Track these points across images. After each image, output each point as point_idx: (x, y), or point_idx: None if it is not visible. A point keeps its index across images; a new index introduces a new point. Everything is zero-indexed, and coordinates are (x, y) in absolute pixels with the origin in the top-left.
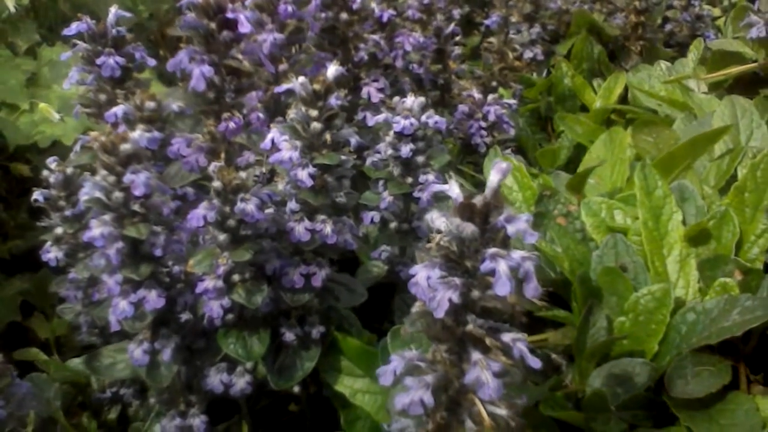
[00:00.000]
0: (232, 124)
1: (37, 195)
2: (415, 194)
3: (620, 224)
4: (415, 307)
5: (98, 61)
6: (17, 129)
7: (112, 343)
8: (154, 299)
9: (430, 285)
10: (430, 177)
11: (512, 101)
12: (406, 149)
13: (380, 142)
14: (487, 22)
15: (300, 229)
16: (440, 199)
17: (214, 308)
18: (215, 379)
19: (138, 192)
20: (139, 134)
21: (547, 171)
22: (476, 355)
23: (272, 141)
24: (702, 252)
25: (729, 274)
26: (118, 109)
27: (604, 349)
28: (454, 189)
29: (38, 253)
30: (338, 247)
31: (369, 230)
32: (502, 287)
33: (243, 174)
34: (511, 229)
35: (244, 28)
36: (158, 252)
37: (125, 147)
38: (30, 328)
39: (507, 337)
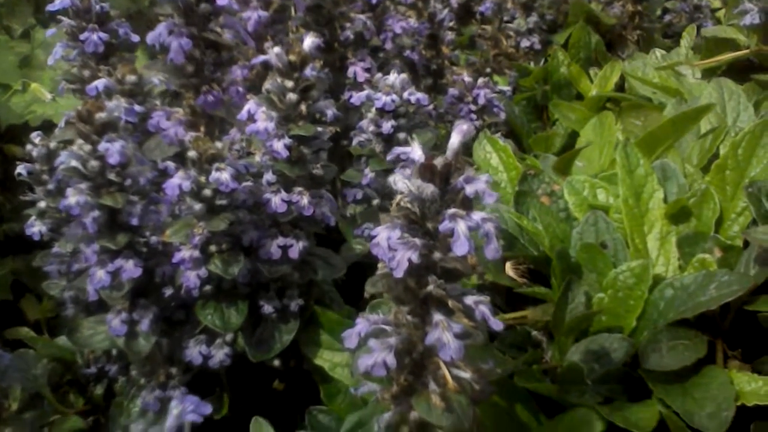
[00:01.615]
0: (210, 98)
1: (20, 169)
2: (397, 171)
3: (602, 203)
4: (379, 270)
5: (82, 36)
6: (9, 109)
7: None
8: (131, 269)
9: (391, 246)
10: None
11: (507, 88)
12: (387, 125)
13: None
14: (481, 8)
15: (276, 201)
16: None
17: (191, 278)
18: (194, 350)
19: (113, 160)
20: (115, 104)
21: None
22: (438, 317)
23: (248, 112)
24: (682, 230)
25: (708, 251)
26: (99, 83)
27: (582, 324)
28: (416, 151)
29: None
30: (315, 219)
31: (355, 209)
32: (461, 247)
33: (219, 144)
34: (469, 189)
35: (222, 1)
36: (135, 221)
37: (100, 116)
38: (22, 309)
39: (469, 299)
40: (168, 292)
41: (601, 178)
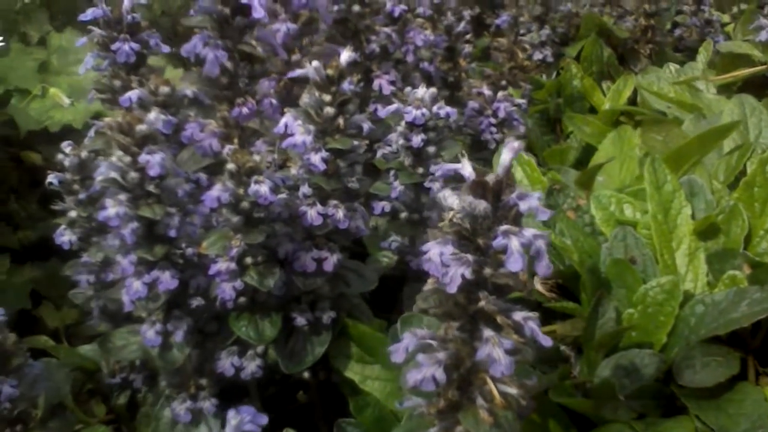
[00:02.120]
0: (245, 110)
1: (51, 178)
2: (426, 185)
3: (629, 218)
4: (428, 285)
5: (113, 46)
6: (28, 115)
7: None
8: (167, 280)
9: (443, 261)
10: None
11: (521, 101)
12: (417, 139)
13: (391, 133)
14: (497, 21)
15: (312, 214)
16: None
17: (226, 290)
18: (226, 362)
19: (153, 172)
20: (154, 116)
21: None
22: (488, 332)
23: (285, 125)
24: (711, 246)
25: (738, 267)
26: (133, 94)
27: (613, 339)
28: (466, 167)
29: (49, 243)
30: (350, 232)
31: (378, 222)
32: (515, 263)
33: (257, 157)
34: (523, 206)
35: (258, 13)
36: (172, 233)
37: (141, 128)
38: (40, 318)
39: (518, 315)
40: (202, 303)
41: (628, 193)
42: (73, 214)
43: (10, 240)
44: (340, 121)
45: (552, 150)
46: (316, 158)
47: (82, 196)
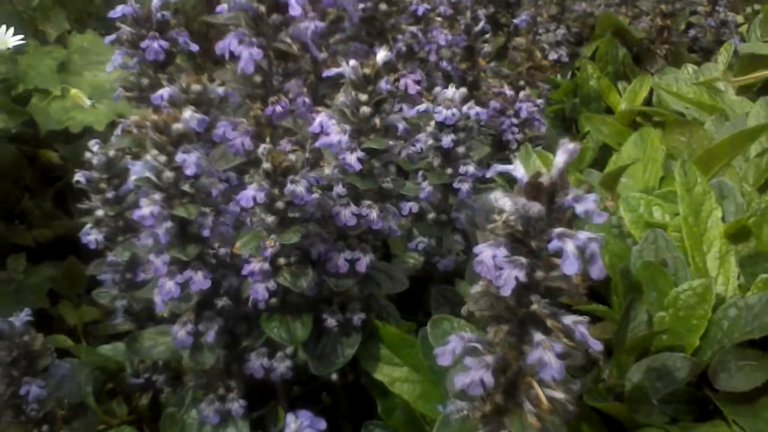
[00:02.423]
0: (278, 108)
1: (79, 176)
2: (455, 185)
3: (659, 220)
4: (478, 287)
5: (143, 44)
6: (48, 115)
7: (145, 328)
8: (200, 280)
9: (496, 264)
10: (471, 168)
11: (539, 101)
12: (447, 139)
13: (417, 133)
14: (515, 21)
15: (346, 214)
16: (480, 190)
17: (259, 291)
18: (256, 363)
19: (189, 172)
20: (189, 114)
21: (572, 172)
22: (538, 336)
23: (321, 125)
24: (742, 249)
25: None
26: (164, 92)
27: (645, 343)
28: (519, 169)
29: (65, 241)
30: (383, 233)
31: (402, 222)
32: (570, 267)
33: (292, 156)
34: (579, 208)
35: (295, 11)
36: (206, 233)
37: (177, 126)
38: (55, 317)
39: (568, 319)
40: (233, 304)
41: (657, 195)
42: (99, 213)
43: (26, 238)
44: (376, 120)
45: (536, 150)
46: (352, 158)
47: (109, 195)
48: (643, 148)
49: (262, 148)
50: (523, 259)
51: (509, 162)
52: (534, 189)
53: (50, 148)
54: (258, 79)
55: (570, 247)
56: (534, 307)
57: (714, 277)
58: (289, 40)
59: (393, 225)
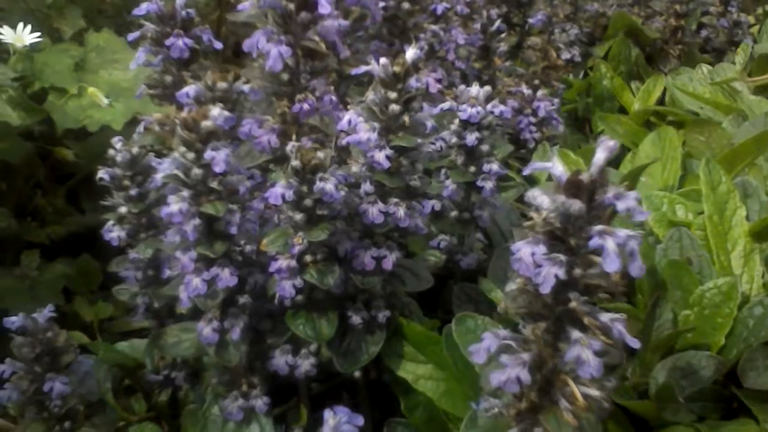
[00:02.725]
0: (305, 106)
1: (102, 174)
2: (479, 183)
3: (682, 219)
4: (514, 284)
5: (167, 42)
6: (65, 113)
7: (165, 325)
8: (226, 277)
9: (535, 261)
10: (494, 166)
11: (555, 100)
12: (471, 137)
13: (440, 131)
14: (531, 20)
15: (374, 211)
16: (504, 189)
17: (286, 288)
18: (281, 360)
19: (218, 169)
20: (218, 112)
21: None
22: (576, 334)
23: (349, 122)
24: (766, 248)
25: None
26: (190, 89)
27: (669, 341)
28: (557, 166)
29: (78, 238)
30: (409, 231)
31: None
32: (611, 264)
33: (321, 154)
34: (621, 206)
35: (325, 9)
36: (233, 230)
37: (206, 124)
38: (69, 314)
39: (605, 317)
40: (259, 301)
41: (680, 193)
42: (122, 210)
43: (39, 235)
44: (405, 118)
45: (584, 150)
46: (380, 155)
47: (133, 192)
48: (662, 147)
49: (291, 145)
50: (562, 257)
51: (526, 161)
52: (574, 186)
53: (62, 145)
54: (285, 76)
55: (611, 244)
56: (572, 304)
57: (739, 275)
58: (317, 38)
59: (419, 223)
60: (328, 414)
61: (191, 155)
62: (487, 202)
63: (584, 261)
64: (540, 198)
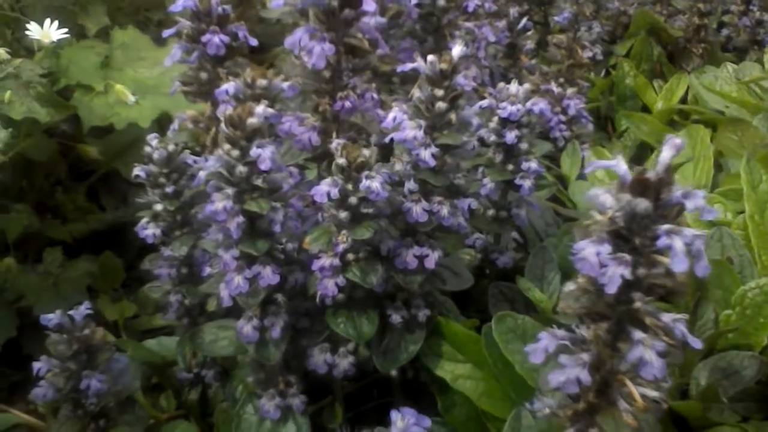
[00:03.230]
0: (348, 103)
1: (138, 171)
2: (517, 181)
3: (721, 218)
4: (574, 284)
5: (203, 38)
6: (92, 110)
7: (198, 323)
8: (269, 275)
9: (601, 261)
10: (533, 164)
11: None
12: (511, 135)
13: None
14: (557, 18)
15: (417, 210)
16: (541, 186)
17: (328, 286)
18: (319, 358)
19: (264, 166)
20: (263, 109)
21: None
22: (638, 334)
23: (394, 119)
24: None
25: None
26: (230, 86)
27: (711, 341)
28: (621, 165)
29: (98, 235)
30: (451, 229)
31: None
32: (680, 264)
33: (366, 151)
34: (689, 205)
35: (369, 6)
36: (277, 228)
37: (252, 121)
38: (99, 311)
39: (667, 317)
40: (299, 299)
41: (718, 192)
42: (158, 207)
43: (60, 233)
44: (452, 116)
45: (608, 148)
46: (426, 154)
47: (169, 189)
48: (692, 146)
49: (336, 143)
50: (628, 256)
51: (555, 159)
52: (640, 185)
53: (81, 142)
54: (327, 74)
55: (679, 244)
56: (637, 304)
57: None
58: (360, 35)
59: (461, 221)
60: (395, 416)
61: (236, 152)
62: (524, 200)
63: (648, 260)
64: (603, 197)
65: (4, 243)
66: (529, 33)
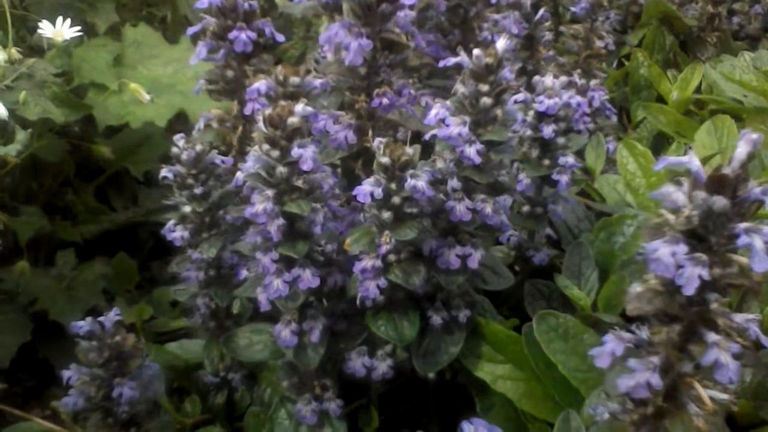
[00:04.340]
0: (385, 100)
1: (165, 172)
2: (554, 177)
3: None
4: (641, 286)
5: (230, 35)
6: (107, 110)
7: (225, 326)
8: (309, 278)
9: (677, 261)
10: (570, 159)
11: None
12: (548, 130)
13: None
14: (574, 8)
15: (461, 208)
16: (577, 181)
17: (370, 288)
18: (357, 362)
19: (306, 167)
20: (302, 108)
21: None
22: (713, 336)
23: (437, 116)
24: None
25: None
26: (261, 85)
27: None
28: (694, 161)
29: (110, 236)
30: (494, 228)
31: None
32: (761, 263)
33: (410, 150)
34: None
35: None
36: (317, 229)
37: (292, 120)
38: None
39: (739, 317)
40: (337, 302)
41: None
42: (186, 209)
43: (72, 234)
44: (498, 111)
45: (624, 140)
46: (471, 150)
47: (197, 190)
48: (719, 137)
49: (377, 141)
50: (705, 256)
51: (580, 153)
52: (717, 182)
53: (91, 141)
54: (363, 70)
55: (759, 243)
56: (713, 306)
57: None
58: (398, 30)
59: (504, 219)
60: (467, 427)
61: (276, 153)
62: (560, 196)
63: (723, 260)
64: (675, 195)
65: (15, 246)
66: (547, 24)
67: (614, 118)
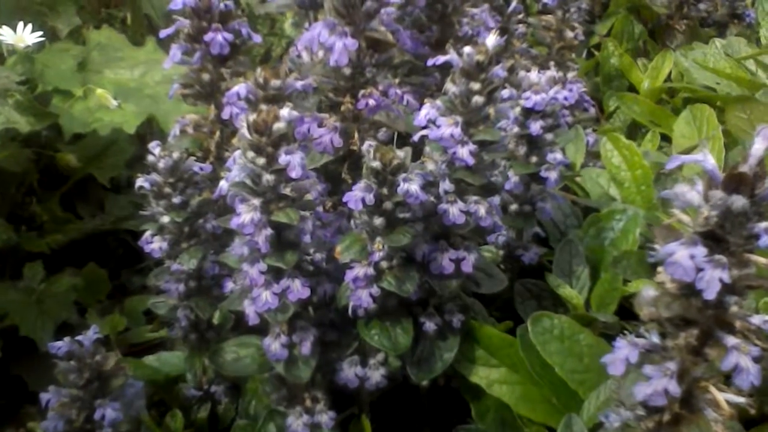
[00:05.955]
0: (371, 102)
1: (141, 182)
2: (542, 174)
3: None
4: (655, 290)
5: (206, 37)
6: (73, 117)
7: (207, 337)
8: (298, 289)
9: (696, 264)
10: (558, 156)
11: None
12: (536, 126)
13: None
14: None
15: (454, 211)
16: (566, 178)
17: (362, 297)
18: (350, 372)
19: (294, 174)
20: (288, 113)
21: None
22: (731, 340)
23: (426, 117)
24: None
25: None
26: (241, 88)
27: None
28: (709, 159)
29: (77, 246)
30: (487, 230)
31: None
32: None
33: (401, 153)
34: None
35: None
36: (306, 238)
37: (278, 126)
38: (76, 326)
39: (756, 319)
40: (325, 312)
41: None
42: (164, 219)
43: (38, 245)
44: (490, 110)
45: (600, 130)
46: (464, 151)
47: (176, 200)
48: (698, 126)
49: (367, 145)
50: (725, 258)
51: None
52: (735, 181)
53: (53, 149)
54: (347, 71)
55: None
56: (733, 309)
57: None
58: (383, 28)
59: (497, 221)
60: None
61: (261, 160)
62: (548, 193)
63: (740, 261)
64: (689, 195)
65: None
66: (521, 16)
67: (592, 110)
